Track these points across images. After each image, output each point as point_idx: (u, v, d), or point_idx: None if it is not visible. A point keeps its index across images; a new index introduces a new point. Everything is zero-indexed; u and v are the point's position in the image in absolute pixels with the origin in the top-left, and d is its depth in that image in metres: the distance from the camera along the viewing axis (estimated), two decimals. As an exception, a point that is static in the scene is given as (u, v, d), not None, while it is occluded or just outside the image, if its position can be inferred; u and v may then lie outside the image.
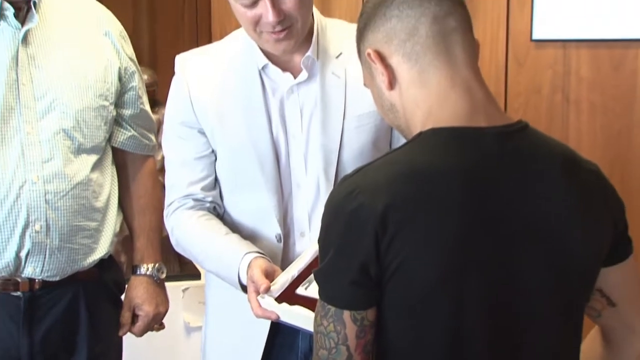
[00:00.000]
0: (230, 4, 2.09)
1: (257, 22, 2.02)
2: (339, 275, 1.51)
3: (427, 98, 1.57)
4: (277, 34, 2.03)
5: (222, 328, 2.30)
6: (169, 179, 2.26)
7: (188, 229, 2.20)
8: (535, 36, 3.13)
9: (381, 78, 1.61)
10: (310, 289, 1.93)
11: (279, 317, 1.92)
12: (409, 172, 1.51)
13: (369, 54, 1.60)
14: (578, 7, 3.00)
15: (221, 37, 2.36)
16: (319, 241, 1.58)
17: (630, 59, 2.93)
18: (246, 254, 2.04)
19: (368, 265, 1.48)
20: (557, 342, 1.60)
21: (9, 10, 2.20)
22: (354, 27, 2.09)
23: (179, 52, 2.27)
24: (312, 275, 1.91)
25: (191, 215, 2.19)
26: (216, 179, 2.23)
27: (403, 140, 2.01)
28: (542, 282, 1.55)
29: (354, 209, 1.48)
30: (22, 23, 2.23)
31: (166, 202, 2.26)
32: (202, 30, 3.97)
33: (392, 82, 1.60)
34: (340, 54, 2.17)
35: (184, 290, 3.10)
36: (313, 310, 1.76)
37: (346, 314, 1.50)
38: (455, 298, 1.50)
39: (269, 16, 1.98)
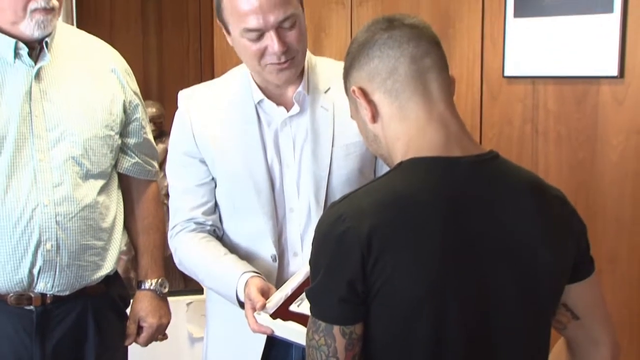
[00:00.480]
0: (234, 40, 2.11)
1: (262, 55, 2.05)
2: (329, 293, 1.52)
3: (407, 131, 1.59)
4: (281, 64, 2.05)
5: (222, 339, 2.29)
6: (172, 204, 2.27)
7: (190, 250, 2.20)
8: (507, 73, 3.14)
9: (365, 112, 1.63)
10: (302, 306, 1.94)
11: (273, 331, 1.92)
12: (391, 199, 1.52)
13: (353, 91, 1.63)
14: (545, 47, 3.01)
15: (223, 73, 2.40)
16: (310, 262, 1.59)
17: (592, 94, 2.92)
18: (243, 273, 2.04)
19: (355, 284, 1.49)
20: (527, 352, 1.61)
21: (24, 50, 2.22)
22: (340, 64, 2.11)
23: (184, 87, 2.30)
24: (304, 294, 1.91)
25: (193, 237, 2.20)
26: (216, 204, 2.23)
27: (387, 167, 2.04)
28: (512, 298, 1.56)
29: (341, 233, 1.50)
30: (35, 61, 2.25)
31: (170, 225, 2.26)
32: (205, 67, 3.97)
33: (374, 116, 1.62)
34: (329, 89, 2.18)
35: (187, 304, 3.09)
36: (305, 326, 1.78)
37: (336, 329, 1.52)
38: (435, 313, 1.51)
39: (275, 47, 2.01)
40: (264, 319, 1.93)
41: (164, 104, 3.41)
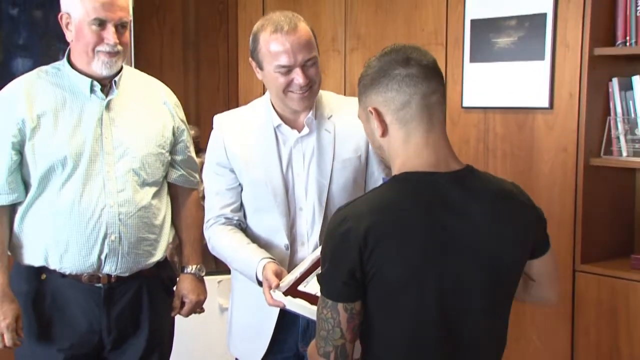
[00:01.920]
0: (266, 74, 2.13)
1: (288, 85, 2.08)
2: (334, 278, 1.54)
3: (406, 152, 1.60)
4: (303, 94, 2.09)
5: (243, 309, 2.29)
6: (207, 203, 2.26)
7: (221, 239, 2.21)
8: (465, 104, 3.17)
9: (376, 128, 1.61)
10: (308, 287, 1.96)
11: (285, 305, 1.93)
12: (384, 206, 1.54)
13: (370, 111, 1.61)
14: (494, 84, 3.04)
15: (246, 102, 2.42)
16: (321, 253, 1.60)
17: (529, 121, 2.96)
18: (262, 259, 2.06)
19: (354, 271, 1.51)
20: (491, 322, 1.63)
21: (97, 87, 2.24)
22: (339, 97, 2.21)
23: (215, 113, 2.32)
24: (310, 276, 1.96)
25: (223, 229, 2.21)
26: (241, 204, 2.23)
27: (374, 177, 2.24)
28: (479, 281, 1.57)
29: (344, 232, 1.52)
30: (106, 95, 2.26)
31: (205, 219, 2.26)
32: (231, 99, 4.00)
33: (384, 133, 1.61)
34: (331, 115, 2.22)
35: (218, 282, 3.11)
36: (310, 303, 1.84)
37: (339, 305, 1.54)
38: (416, 294, 1.53)
39: (300, 80, 2.06)
40: (278, 295, 1.94)
41: (200, 127, 3.38)
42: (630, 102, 2.84)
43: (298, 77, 2.08)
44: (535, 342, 3.01)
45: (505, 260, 1.61)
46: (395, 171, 1.61)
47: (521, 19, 2.98)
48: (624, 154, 2.85)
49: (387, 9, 3.44)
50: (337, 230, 1.54)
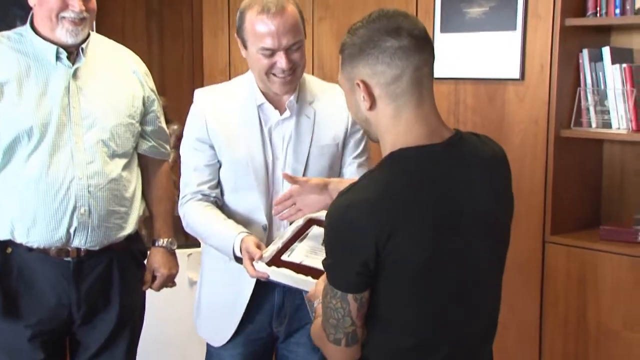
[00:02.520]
0: (249, 54, 2.10)
1: (271, 67, 2.06)
2: (345, 269, 1.50)
3: (396, 127, 1.53)
4: (285, 78, 2.08)
5: (214, 286, 2.27)
6: (184, 179, 2.23)
7: (196, 214, 2.18)
8: (436, 75, 3.01)
9: (363, 101, 1.54)
10: (292, 256, 1.97)
11: (269, 276, 1.92)
12: (390, 189, 1.48)
13: (357, 84, 1.53)
14: (464, 55, 3.06)
15: (210, 75, 2.40)
16: (325, 241, 1.56)
17: (500, 92, 2.98)
18: (239, 233, 2.05)
19: (368, 262, 1.47)
20: (494, 282, 1.67)
21: (63, 54, 2.20)
22: (323, 83, 2.21)
23: (180, 85, 2.30)
24: (293, 246, 1.98)
25: (199, 205, 2.18)
26: (219, 182, 2.21)
27: (348, 165, 2.23)
28: (486, 248, 1.58)
29: (352, 220, 1.47)
30: (73, 63, 2.22)
31: (181, 195, 2.23)
32: (196, 71, 3.95)
33: (372, 107, 1.54)
34: (313, 101, 2.21)
35: (188, 255, 3.10)
36: (294, 271, 1.84)
37: (350, 296, 1.50)
38: (436, 271, 1.51)
39: (283, 64, 2.04)
40: (261, 266, 1.94)
41: (166, 97, 3.39)
42: (600, 74, 2.88)
43: (281, 60, 2.06)
44: (505, 311, 3.03)
45: (504, 220, 1.65)
46: (388, 148, 1.56)
47: (492, -11, 2.98)
48: (593, 125, 2.90)
49: (355, -21, 3.42)
50: (343, 219, 1.49)
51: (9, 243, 2.23)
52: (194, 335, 3.13)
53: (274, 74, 2.09)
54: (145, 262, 2.48)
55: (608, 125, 2.87)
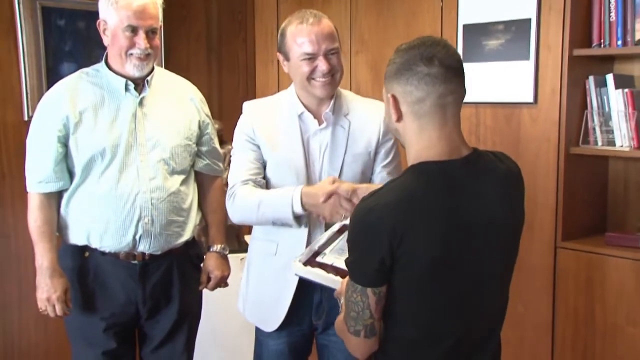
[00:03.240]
0: (292, 64, 2.08)
1: (312, 72, 2.04)
2: (364, 266, 1.48)
3: (419, 143, 1.52)
4: (326, 81, 2.05)
5: (263, 281, 2.21)
6: (233, 172, 2.16)
7: (247, 193, 2.10)
8: None
9: (392, 114, 1.54)
10: (325, 259, 1.93)
11: (296, 273, 1.91)
12: (408, 196, 1.46)
13: (389, 97, 1.54)
14: (484, 82, 3.00)
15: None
16: (348, 241, 1.52)
17: (516, 114, 2.92)
18: (296, 188, 2.00)
19: (385, 259, 1.46)
20: (502, 285, 1.63)
21: (131, 86, 2.22)
22: (358, 97, 2.17)
23: (237, 111, 2.25)
24: (327, 249, 1.93)
25: (247, 188, 2.11)
26: (264, 178, 2.15)
27: (381, 174, 2.18)
28: (496, 254, 1.55)
29: (373, 222, 1.45)
30: (139, 93, 2.24)
31: (229, 185, 2.15)
32: (249, 96, 3.94)
33: (399, 119, 1.53)
34: (347, 113, 2.16)
35: (240, 259, 3.03)
36: (325, 271, 1.82)
37: (369, 290, 1.49)
38: (445, 273, 1.49)
39: (324, 67, 2.02)
40: (298, 266, 1.91)
41: (222, 121, 3.39)
42: (605, 98, 2.82)
43: (321, 64, 2.04)
44: (521, 309, 2.98)
45: (514, 231, 1.60)
46: (411, 159, 1.54)
47: (508, 24, 2.94)
48: (599, 143, 2.84)
49: (387, 16, 3.40)
50: (364, 221, 1.47)
51: (86, 248, 2.25)
52: (245, 329, 3.13)
53: (315, 79, 2.06)
54: (202, 265, 2.47)
55: (612, 143, 2.80)
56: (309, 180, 2.12)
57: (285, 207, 2.02)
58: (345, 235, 2.00)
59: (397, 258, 1.46)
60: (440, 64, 1.47)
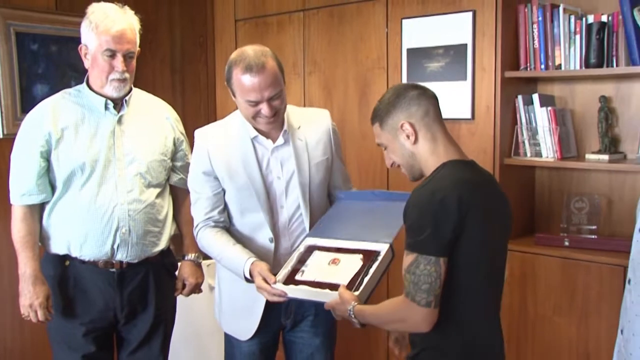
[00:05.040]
0: (238, 101, 2.04)
1: (256, 114, 2.02)
2: (438, 237, 1.54)
3: (437, 148, 1.68)
4: (269, 121, 2.04)
5: (234, 292, 2.19)
6: (195, 208, 2.16)
7: (209, 240, 2.12)
8: None
9: (410, 137, 1.67)
10: (305, 276, 1.91)
11: (287, 294, 1.88)
12: (457, 181, 1.59)
13: (403, 124, 1.67)
14: None
15: (222, 118, 2.38)
16: (412, 225, 1.57)
17: (456, 129, 2.95)
18: (248, 258, 2.00)
19: (455, 230, 1.55)
20: (503, 273, 1.77)
21: (110, 105, 2.21)
22: (302, 109, 2.18)
23: (199, 126, 2.23)
24: (302, 268, 1.93)
25: (210, 232, 2.12)
26: (225, 206, 2.14)
27: (337, 172, 2.21)
28: (502, 246, 1.72)
29: (441, 199, 1.54)
30: (118, 111, 2.23)
31: (194, 224, 2.17)
32: (210, 116, 3.97)
33: (416, 140, 1.68)
34: (300, 126, 2.17)
35: (207, 265, 2.98)
36: (312, 287, 1.83)
37: (441, 260, 1.55)
38: (486, 246, 1.61)
39: (267, 112, 2.00)
40: (279, 286, 1.89)
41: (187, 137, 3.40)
42: (532, 114, 2.92)
43: (264, 109, 2.02)
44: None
45: (510, 226, 1.78)
46: (432, 166, 1.67)
47: (447, 48, 3.02)
48: (528, 155, 2.93)
49: (337, 40, 3.45)
50: (432, 201, 1.55)
51: (66, 257, 2.22)
52: (214, 331, 3.12)
53: (260, 117, 2.05)
54: (177, 273, 2.46)
55: (539, 154, 2.90)
56: (272, 200, 2.12)
57: (239, 273, 2.03)
58: (315, 254, 2.01)
59: (461, 230, 1.55)
60: (421, 88, 1.73)
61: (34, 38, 3.09)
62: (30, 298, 2.16)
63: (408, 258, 1.58)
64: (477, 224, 1.59)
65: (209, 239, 2.12)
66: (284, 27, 3.63)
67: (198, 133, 2.19)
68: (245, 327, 2.17)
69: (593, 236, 2.84)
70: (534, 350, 2.85)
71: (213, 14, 4.00)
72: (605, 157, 2.77)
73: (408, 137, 1.67)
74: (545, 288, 2.80)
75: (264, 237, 2.12)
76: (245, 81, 1.99)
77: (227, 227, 2.17)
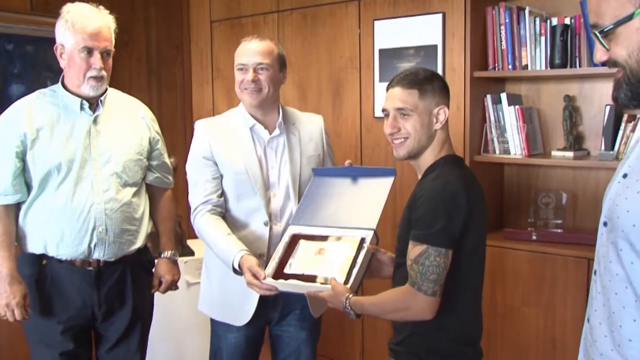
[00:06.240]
0: (235, 73, 2.16)
1: (242, 82, 2.12)
2: (450, 230, 1.55)
3: (446, 141, 1.71)
4: (251, 90, 2.11)
5: (231, 280, 2.12)
6: (193, 192, 2.17)
7: (205, 227, 2.12)
8: (376, 115, 3.19)
9: (440, 122, 1.68)
10: (293, 269, 1.89)
11: (277, 288, 1.87)
12: (461, 178, 1.61)
13: (443, 108, 1.68)
14: None
15: (197, 118, 2.36)
16: (425, 216, 1.57)
17: None
18: (239, 250, 2.00)
19: (465, 222, 1.57)
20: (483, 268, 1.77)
21: (86, 105, 2.16)
22: (299, 112, 2.24)
23: (174, 127, 2.24)
24: (290, 261, 1.90)
25: (208, 218, 2.12)
26: (222, 192, 2.16)
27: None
28: (485, 234, 1.72)
29: (453, 193, 1.56)
30: (93, 112, 2.18)
31: (192, 207, 2.16)
32: (187, 114, 3.91)
33: (442, 127, 1.70)
34: (294, 123, 2.23)
35: (185, 262, 3.00)
36: (300, 280, 1.81)
37: (449, 252, 1.56)
38: (482, 239, 1.67)
39: (248, 77, 2.10)
40: (270, 281, 1.87)
41: (162, 135, 3.35)
42: (500, 113, 2.94)
43: (248, 75, 2.10)
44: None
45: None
46: (435, 154, 1.69)
47: (418, 49, 3.02)
48: (497, 152, 2.96)
49: (311, 41, 3.44)
50: (444, 194, 1.56)
51: (43, 256, 2.17)
52: (192, 326, 3.09)
53: (246, 88, 2.13)
54: (153, 270, 2.42)
55: (507, 152, 2.92)
56: (267, 184, 2.16)
57: (228, 263, 2.03)
58: (301, 243, 1.98)
59: (470, 222, 1.57)
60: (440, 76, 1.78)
61: (9, 38, 3.03)
62: (7, 297, 2.10)
63: (417, 249, 1.58)
64: (479, 220, 1.62)
65: (205, 225, 2.12)
66: (259, 28, 3.60)
67: (199, 122, 2.24)
68: (241, 312, 2.16)
69: (559, 230, 2.88)
70: (503, 340, 2.87)
71: (189, 15, 3.96)
72: (570, 154, 2.80)
73: (439, 121, 1.68)
74: (514, 281, 2.83)
75: (259, 220, 2.14)
76: (241, 45, 2.15)
77: (223, 213, 2.18)
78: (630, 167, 1.20)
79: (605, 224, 1.21)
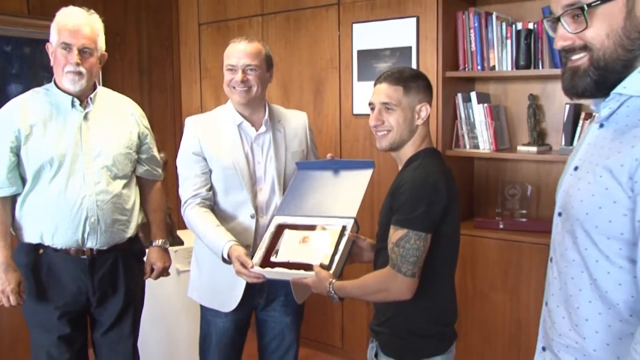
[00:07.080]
0: (224, 73, 2.15)
1: (231, 81, 2.11)
2: (430, 215, 1.57)
3: (426, 135, 1.72)
4: (241, 90, 2.11)
5: (218, 269, 2.14)
6: (183, 186, 2.17)
7: (196, 219, 2.12)
8: (355, 112, 3.21)
9: (422, 118, 1.68)
10: (280, 257, 1.90)
11: (264, 276, 1.88)
12: (440, 169, 1.64)
13: (426, 105, 1.69)
14: None
15: (186, 116, 2.34)
16: (407, 203, 1.59)
17: None
18: (228, 241, 2.01)
19: (445, 208, 1.59)
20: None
21: (77, 102, 2.17)
22: (284, 109, 2.23)
23: (164, 124, 2.25)
24: (275, 249, 1.91)
25: (198, 211, 2.13)
26: (211, 186, 2.17)
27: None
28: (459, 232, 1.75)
29: (434, 182, 1.59)
30: (84, 108, 2.19)
31: (182, 200, 2.17)
32: (176, 113, 3.92)
33: (424, 122, 1.71)
34: (280, 120, 2.23)
35: (175, 251, 2.99)
36: (286, 268, 1.82)
37: (428, 236, 1.59)
38: (457, 224, 1.69)
39: (238, 78, 2.09)
40: (257, 269, 1.88)
41: (153, 132, 3.35)
42: (470, 111, 2.98)
43: (237, 76, 2.10)
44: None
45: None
46: (415, 148, 1.70)
47: (394, 50, 3.05)
48: (467, 147, 3.00)
49: (294, 42, 3.46)
50: (426, 183, 1.58)
51: (40, 245, 2.19)
52: (182, 311, 3.11)
53: (234, 87, 2.12)
54: (145, 258, 2.44)
55: (477, 147, 2.96)
56: (253, 180, 2.16)
57: (217, 253, 2.05)
58: (285, 233, 1.99)
59: (449, 210, 1.60)
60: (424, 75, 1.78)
61: (7, 40, 3.03)
62: (2, 284, 2.12)
63: (398, 233, 1.60)
64: (455, 208, 1.65)
65: (195, 217, 2.12)
66: (244, 30, 3.62)
67: (189, 119, 2.23)
68: (228, 299, 2.18)
69: (524, 219, 2.93)
70: (473, 323, 2.92)
71: (178, 18, 3.97)
72: (534, 148, 2.85)
73: (420, 117, 1.69)
74: (483, 267, 2.87)
75: (246, 213, 2.14)
76: (230, 46, 2.14)
77: (212, 206, 2.18)
78: (581, 160, 1.21)
79: (560, 214, 1.23)
